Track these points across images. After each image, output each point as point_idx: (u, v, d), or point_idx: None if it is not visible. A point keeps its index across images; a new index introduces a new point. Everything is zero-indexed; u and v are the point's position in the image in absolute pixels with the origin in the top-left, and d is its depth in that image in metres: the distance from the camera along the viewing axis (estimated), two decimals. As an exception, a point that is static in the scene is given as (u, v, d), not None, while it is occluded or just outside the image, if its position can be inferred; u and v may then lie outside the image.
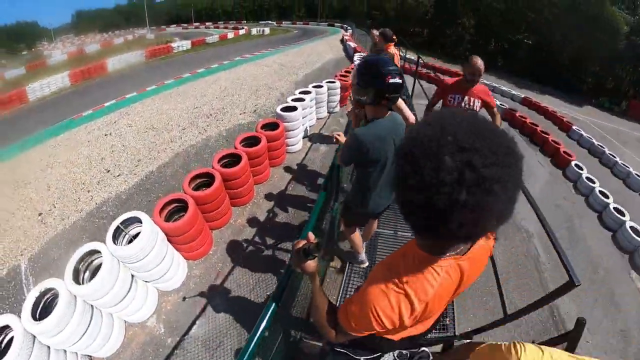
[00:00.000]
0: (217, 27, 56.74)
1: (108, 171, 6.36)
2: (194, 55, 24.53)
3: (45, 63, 33.14)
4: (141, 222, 3.03)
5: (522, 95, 18.60)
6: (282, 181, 5.42)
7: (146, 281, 3.22)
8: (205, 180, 3.95)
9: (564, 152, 10.41)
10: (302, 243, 1.05)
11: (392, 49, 4.48)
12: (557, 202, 7.90)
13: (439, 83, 15.47)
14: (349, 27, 37.31)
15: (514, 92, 18.72)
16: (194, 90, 11.17)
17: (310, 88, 6.99)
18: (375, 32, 5.14)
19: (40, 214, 5.24)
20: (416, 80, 7.11)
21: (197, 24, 67.83)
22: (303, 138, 6.29)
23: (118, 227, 3.07)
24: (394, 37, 13.77)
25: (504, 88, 18.11)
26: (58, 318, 2.26)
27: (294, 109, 5.75)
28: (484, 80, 18.26)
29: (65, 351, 2.50)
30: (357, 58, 12.55)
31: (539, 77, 26.65)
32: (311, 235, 1.05)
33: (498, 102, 14.74)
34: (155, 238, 3.04)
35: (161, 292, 3.49)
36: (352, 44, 19.00)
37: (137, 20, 67.08)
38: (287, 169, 5.78)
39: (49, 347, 2.34)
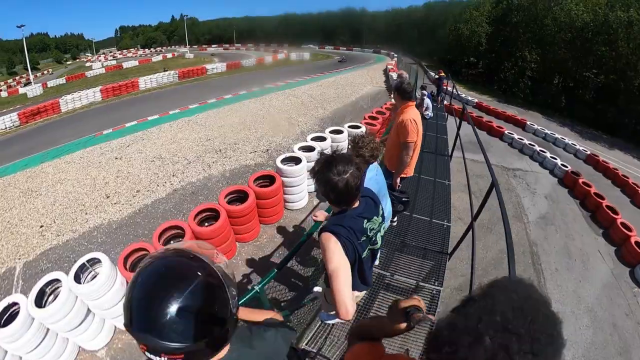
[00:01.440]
0: (258, 50, 62.57)
1: (107, 197, 7.23)
2: (227, 79, 27.14)
3: (83, 75, 38.50)
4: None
5: (588, 152, 16.83)
6: (270, 244, 5.45)
7: (103, 317, 3.76)
8: (179, 232, 4.19)
9: (636, 242, 8.50)
10: (407, 303, 1.08)
11: (410, 114, 3.36)
12: (614, 320, 6.68)
13: (491, 130, 15.14)
14: (395, 55, 39.24)
15: (578, 146, 16.97)
16: (213, 119, 12.48)
17: (326, 133, 7.16)
18: (403, 77, 5.47)
19: (41, 226, 6.31)
20: (460, 128, 7.00)
21: (238, 44, 75.25)
22: (310, 193, 6.20)
23: (84, 264, 3.62)
24: (441, 72, 14.95)
25: (566, 140, 17.04)
26: (13, 330, 3.03)
27: (298, 161, 5.77)
28: (546, 131, 17.75)
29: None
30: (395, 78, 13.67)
31: (608, 125, 24.47)
32: (420, 302, 1.08)
33: (559, 162, 13.64)
34: (113, 280, 3.52)
35: (119, 329, 3.95)
36: (395, 75, 19.71)
37: (179, 38, 75.71)
38: (281, 230, 5.77)
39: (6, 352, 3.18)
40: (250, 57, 41.68)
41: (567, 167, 13.13)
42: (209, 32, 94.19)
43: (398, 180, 3.28)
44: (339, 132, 7.44)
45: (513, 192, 10.82)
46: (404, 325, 1.06)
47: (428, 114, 9.95)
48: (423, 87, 11.28)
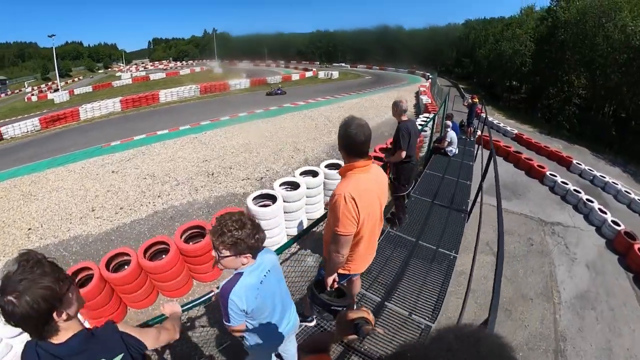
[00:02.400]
0: (287, 67, 65.24)
1: (93, 210, 7.90)
2: (248, 96, 28.45)
3: (110, 85, 41.72)
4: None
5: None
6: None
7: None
8: (127, 258, 4.42)
9: None
10: (356, 315, 1.17)
11: (349, 185, 2.79)
12: None
13: (531, 170, 14.00)
14: (430, 76, 39.45)
15: (633, 194, 14.46)
16: (219, 138, 13.20)
17: (321, 167, 6.66)
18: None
19: (29, 229, 7.23)
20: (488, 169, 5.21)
21: (269, 61, 78.77)
22: (290, 235, 5.76)
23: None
24: (474, 97, 13.88)
25: (618, 186, 14.61)
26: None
27: (273, 199, 5.40)
28: (595, 172, 15.87)
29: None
30: (419, 122, 12.76)
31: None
32: (369, 315, 1.17)
33: (609, 218, 11.08)
34: None
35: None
36: (426, 99, 19.58)
37: (210, 52, 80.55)
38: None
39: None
40: (277, 74, 43.39)
41: (619, 225, 10.78)
42: (241, 47, 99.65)
43: (330, 280, 2.31)
44: (338, 166, 7.02)
45: (547, 258, 8.74)
46: (353, 337, 1.15)
47: (452, 151, 8.99)
48: (449, 117, 10.10)
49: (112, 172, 10.26)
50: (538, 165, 14.12)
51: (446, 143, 8.95)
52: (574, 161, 16.10)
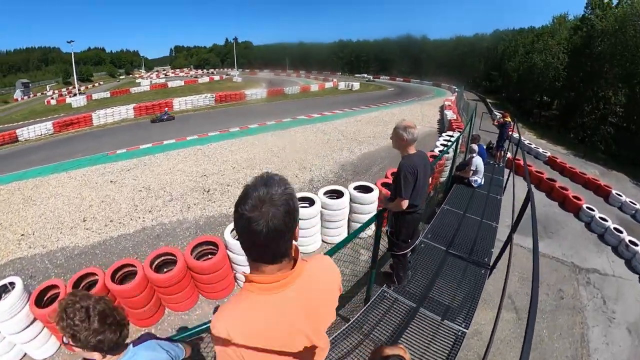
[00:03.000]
0: (308, 77, 66.17)
1: (84, 220, 8.12)
2: (263, 106, 28.87)
3: (128, 91, 43.33)
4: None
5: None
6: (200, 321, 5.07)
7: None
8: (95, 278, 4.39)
9: None
10: (392, 352, 1.16)
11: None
12: None
13: (565, 201, 12.98)
14: (456, 90, 39.37)
15: None
16: (223, 151, 13.36)
17: (319, 195, 6.17)
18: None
19: (22, 235, 7.67)
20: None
21: (290, 71, 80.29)
22: None
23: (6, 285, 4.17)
24: (506, 115, 12.19)
25: None
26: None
27: None
28: (637, 205, 14.32)
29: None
30: (441, 141, 12.26)
31: None
32: (406, 353, 1.16)
33: None
34: (21, 307, 3.99)
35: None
36: (451, 114, 18.96)
37: (231, 61, 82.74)
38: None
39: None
40: (296, 84, 43.89)
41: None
42: (262, 56, 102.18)
43: None
44: (338, 194, 6.43)
45: (579, 316, 7.17)
46: None
47: (476, 181, 7.71)
48: (475, 139, 8.85)
49: (111, 181, 10.58)
50: (573, 197, 12.96)
51: (470, 172, 7.64)
52: (613, 191, 14.97)
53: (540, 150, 19.52)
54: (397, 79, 62.31)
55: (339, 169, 11.24)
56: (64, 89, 55.82)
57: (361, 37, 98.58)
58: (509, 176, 8.17)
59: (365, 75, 68.89)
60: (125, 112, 25.78)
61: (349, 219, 6.53)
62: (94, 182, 10.72)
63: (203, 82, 55.33)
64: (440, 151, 10.19)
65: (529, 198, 3.36)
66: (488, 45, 59.40)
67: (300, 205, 5.49)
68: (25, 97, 59.19)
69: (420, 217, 3.77)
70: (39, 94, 59.03)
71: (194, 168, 11.27)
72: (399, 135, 3.29)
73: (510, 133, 11.22)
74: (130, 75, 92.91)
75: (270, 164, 11.56)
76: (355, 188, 6.62)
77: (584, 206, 12.26)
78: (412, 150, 3.36)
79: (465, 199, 7.07)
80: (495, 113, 26.02)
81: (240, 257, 4.83)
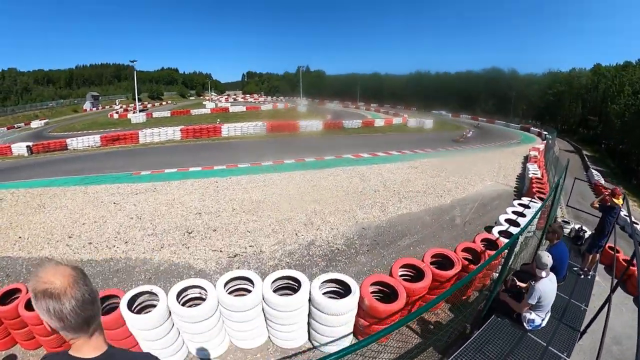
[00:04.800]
0: (378, 111, 66.31)
1: (70, 237, 9.05)
2: (313, 140, 29.63)
3: (188, 112, 46.94)
4: None
5: None
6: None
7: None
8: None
9: None
10: None
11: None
12: None
13: None
14: (548, 136, 35.98)
15: None
16: (235, 187, 13.57)
17: (264, 283, 4.66)
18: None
19: (19, 237, 9.03)
20: None
21: (361, 103, 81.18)
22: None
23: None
24: (617, 194, 7.74)
25: None
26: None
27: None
28: None
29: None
30: (513, 209, 9.20)
31: None
32: None
33: None
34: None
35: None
36: (534, 170, 15.88)
37: (303, 90, 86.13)
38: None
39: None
40: (363, 117, 43.82)
41: None
42: (333, 86, 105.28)
43: None
44: (294, 284, 4.91)
45: None
46: None
47: (533, 322, 4.51)
48: (554, 234, 5.47)
49: (114, 203, 11.60)
50: None
51: (526, 307, 4.43)
52: None
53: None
54: (480, 118, 59.10)
55: (356, 234, 9.49)
56: (131, 104, 62.72)
57: (441, 69, 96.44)
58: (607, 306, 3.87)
59: (443, 112, 66.51)
60: (172, 133, 28.04)
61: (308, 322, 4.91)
62: (100, 200, 11.88)
63: (266, 109, 58.49)
64: (501, 232, 7.37)
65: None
66: (587, 83, 54.03)
67: (237, 287, 4.31)
68: (94, 109, 70.18)
69: None
70: (107, 107, 68.16)
71: (195, 203, 11.55)
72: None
73: (613, 221, 7.01)
74: (201, 97, 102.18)
75: (276, 211, 11.00)
76: (327, 282, 4.91)
77: None
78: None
79: (503, 346, 4.27)
80: (593, 171, 22.47)
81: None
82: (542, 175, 15.38)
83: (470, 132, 34.33)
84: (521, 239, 5.83)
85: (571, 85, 57.31)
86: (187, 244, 8.62)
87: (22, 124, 48.29)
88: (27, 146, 24.30)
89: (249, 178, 14.67)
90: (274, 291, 4.67)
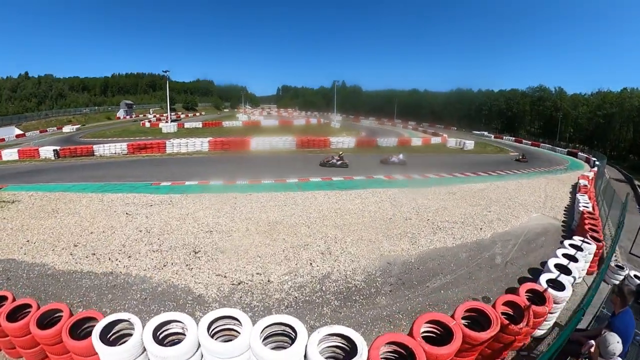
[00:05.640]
0: (416, 129, 65.25)
1: (75, 245, 9.14)
2: (347, 158, 28.09)
3: (220, 124, 47.93)
4: None
5: None
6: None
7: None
8: None
9: None
10: None
11: None
12: None
13: None
14: (597, 163, 34.15)
15: None
16: (253, 205, 13.22)
17: (254, 330, 3.98)
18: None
19: (27, 241, 9.40)
20: None
21: (398, 120, 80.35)
22: None
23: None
24: None
25: None
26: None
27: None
28: None
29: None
30: (564, 251, 8.19)
31: None
32: None
33: None
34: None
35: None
36: (584, 202, 14.28)
37: (337, 105, 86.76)
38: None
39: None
40: (399, 136, 43.08)
41: None
42: (370, 103, 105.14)
43: None
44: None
45: None
46: None
47: None
48: (624, 295, 4.31)
49: (126, 213, 11.69)
50: None
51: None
52: None
53: None
54: (524, 141, 56.70)
55: (379, 270, 8.59)
56: (165, 114, 65.15)
57: (483, 87, 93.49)
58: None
59: (486, 133, 64.54)
60: (200, 144, 28.48)
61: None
62: (113, 210, 12.02)
63: (299, 123, 58.83)
64: (550, 281, 6.24)
65: None
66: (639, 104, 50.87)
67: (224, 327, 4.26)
68: (127, 117, 73.58)
69: None
70: (140, 116, 71.28)
71: (208, 219, 11.37)
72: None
73: None
74: (235, 110, 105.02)
75: (293, 235, 10.45)
76: (330, 337, 4.06)
77: None
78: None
79: None
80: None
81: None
82: (594, 209, 13.81)
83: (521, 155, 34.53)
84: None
85: (622, 106, 54.22)
86: (190, 264, 8.33)
87: (55, 128, 51.38)
88: (54, 150, 25.47)
89: (269, 195, 14.42)
90: (265, 338, 4.05)
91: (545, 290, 5.75)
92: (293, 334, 4.04)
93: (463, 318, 4.78)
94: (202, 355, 4.05)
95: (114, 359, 3.89)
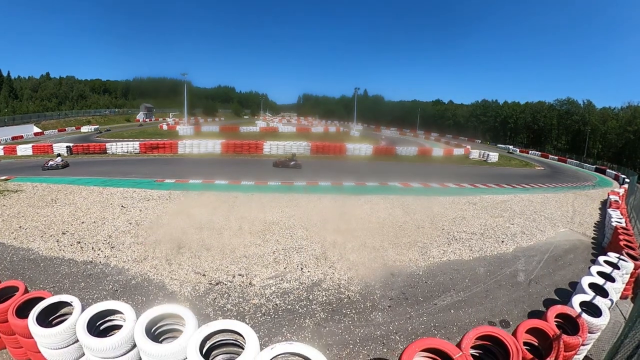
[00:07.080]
0: (439, 140, 64.16)
1: (64, 233, 9.23)
2: (361, 165, 29.49)
3: (237, 129, 48.18)
4: None
5: None
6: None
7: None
8: None
9: None
10: None
11: None
12: None
13: None
14: (626, 180, 32.62)
15: None
16: (251, 205, 13.05)
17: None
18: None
19: (19, 227, 9.77)
20: None
21: (421, 132, 79.38)
22: None
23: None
24: None
25: None
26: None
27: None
28: None
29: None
30: (599, 268, 7.57)
31: None
32: None
33: None
34: None
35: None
36: (617, 218, 13.12)
37: (358, 113, 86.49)
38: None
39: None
40: (420, 146, 42.31)
41: None
42: (392, 112, 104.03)
43: None
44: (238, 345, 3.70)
45: None
46: None
47: None
48: None
49: (122, 206, 11.76)
50: None
51: None
52: None
53: None
54: (551, 156, 54.82)
55: (379, 281, 7.79)
56: (185, 118, 66.29)
57: (509, 98, 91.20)
58: None
59: (511, 146, 62.67)
60: (212, 146, 28.69)
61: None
62: (109, 202, 12.10)
63: (316, 131, 58.79)
64: (583, 304, 5.45)
65: None
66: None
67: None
68: (147, 120, 75.58)
69: None
70: (160, 119, 72.84)
71: (202, 216, 11.20)
72: None
73: None
74: (255, 117, 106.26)
75: (285, 237, 10.02)
76: (287, 356, 3.32)
77: None
78: None
79: None
80: None
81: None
82: (627, 225, 12.64)
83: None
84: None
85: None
86: (171, 261, 8.08)
87: (73, 128, 52.66)
88: (67, 147, 26.11)
89: (273, 197, 14.19)
90: (210, 349, 3.49)
91: (579, 315, 4.91)
92: (243, 345, 3.33)
93: (473, 347, 3.92)
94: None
95: (47, 341, 3.75)
